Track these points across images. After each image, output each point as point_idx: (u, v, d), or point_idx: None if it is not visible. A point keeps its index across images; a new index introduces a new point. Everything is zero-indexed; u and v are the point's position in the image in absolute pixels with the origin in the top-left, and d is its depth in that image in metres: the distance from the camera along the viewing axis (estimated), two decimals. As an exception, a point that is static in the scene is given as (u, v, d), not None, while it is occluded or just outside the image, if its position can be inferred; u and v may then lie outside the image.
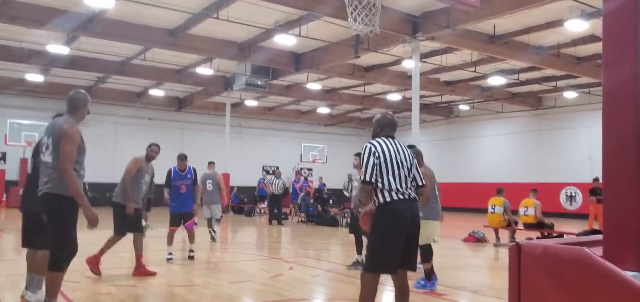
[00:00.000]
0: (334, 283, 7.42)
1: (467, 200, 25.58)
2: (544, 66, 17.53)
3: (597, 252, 2.28)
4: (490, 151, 27.35)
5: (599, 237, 2.51)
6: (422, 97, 20.23)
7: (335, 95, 24.50)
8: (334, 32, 15.07)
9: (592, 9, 12.49)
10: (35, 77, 20.94)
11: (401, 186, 4.11)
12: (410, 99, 16.05)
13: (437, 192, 7.21)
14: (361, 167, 4.28)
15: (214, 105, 26.73)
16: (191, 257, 8.81)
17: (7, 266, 8.26)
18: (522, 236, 11.79)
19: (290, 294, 6.45)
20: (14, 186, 22.60)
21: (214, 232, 12.10)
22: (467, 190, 26.65)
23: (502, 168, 25.80)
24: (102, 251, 7.16)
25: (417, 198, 4.28)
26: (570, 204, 23.36)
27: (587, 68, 17.70)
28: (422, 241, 6.63)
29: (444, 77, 21.06)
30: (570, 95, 22.24)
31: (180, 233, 9.58)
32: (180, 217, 8.85)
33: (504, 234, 12.57)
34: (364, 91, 23.94)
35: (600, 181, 11.74)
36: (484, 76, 19.94)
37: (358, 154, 8.15)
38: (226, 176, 20.82)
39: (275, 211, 17.59)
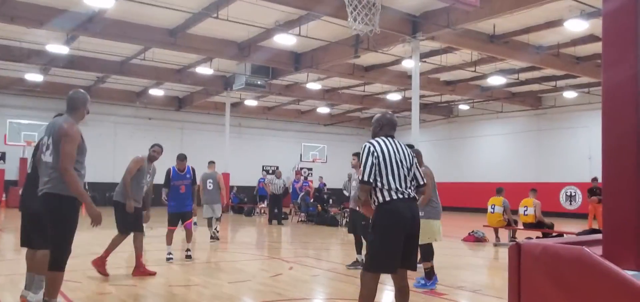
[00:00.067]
0: (334, 283, 7.42)
1: (466, 200, 25.59)
2: (544, 66, 17.54)
3: (597, 252, 2.28)
4: (490, 151, 27.36)
5: (599, 236, 2.51)
6: (421, 96, 20.24)
7: (335, 95, 24.50)
8: (334, 31, 15.08)
9: (591, 9, 12.50)
10: (34, 76, 20.94)
11: (401, 185, 4.11)
12: (410, 98, 16.06)
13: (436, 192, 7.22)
14: (360, 167, 4.28)
15: (213, 105, 26.73)
16: (188, 257, 8.81)
17: (7, 265, 8.27)
18: (522, 235, 11.80)
19: (290, 294, 6.45)
20: (13, 186, 22.62)
21: (217, 231, 12.10)
22: (466, 190, 26.66)
23: (502, 168, 25.81)
24: (108, 252, 7.15)
25: (417, 197, 4.27)
26: (570, 204, 23.37)
27: (586, 68, 17.71)
28: (422, 240, 6.64)
29: (444, 76, 21.07)
30: (569, 95, 22.25)
31: (180, 233, 9.58)
32: (179, 217, 8.85)
33: (504, 234, 12.57)
34: (364, 91, 23.95)
35: (599, 180, 11.71)
36: (484, 76, 19.95)
37: (356, 154, 8.15)
38: (226, 176, 20.82)
39: (276, 210, 17.59)
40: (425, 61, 17.44)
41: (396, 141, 4.31)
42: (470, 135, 28.49)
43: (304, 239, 13.71)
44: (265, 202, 21.19)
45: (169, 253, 8.63)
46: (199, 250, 10.64)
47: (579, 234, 9.96)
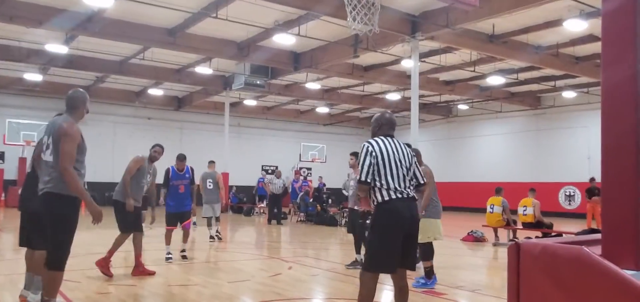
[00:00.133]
0: (333, 282, 7.42)
1: (465, 199, 25.61)
2: (543, 66, 17.55)
3: (596, 252, 2.28)
4: (489, 151, 27.38)
5: (598, 236, 2.52)
6: (421, 96, 20.24)
7: (334, 94, 24.50)
8: (333, 31, 15.08)
9: (591, 9, 12.51)
10: (33, 76, 20.93)
11: (400, 185, 4.11)
12: (410, 98, 16.05)
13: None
14: (357, 167, 4.28)
15: (213, 104, 26.72)
16: (184, 257, 8.79)
17: (6, 265, 8.26)
18: (521, 235, 11.81)
19: (289, 294, 6.45)
20: (12, 186, 22.60)
21: (218, 233, 12.10)
22: (465, 189, 26.68)
23: (501, 168, 25.83)
24: (111, 252, 7.14)
25: (416, 197, 4.27)
26: (569, 204, 23.39)
27: (585, 68, 17.73)
28: (422, 239, 6.65)
29: (443, 76, 21.07)
30: (569, 95, 22.27)
31: (179, 232, 9.57)
32: (179, 216, 8.85)
33: (503, 234, 12.58)
34: (363, 91, 23.95)
35: (597, 180, 11.69)
36: (483, 76, 19.96)
37: (354, 153, 8.16)
38: (225, 175, 20.81)
39: (275, 210, 17.60)
40: (424, 61, 17.45)
41: (395, 140, 4.31)
42: (470, 135, 28.50)
43: (303, 238, 13.71)
44: (265, 202, 21.19)
45: (168, 253, 8.64)
46: (198, 250, 10.64)
47: (578, 233, 9.97)
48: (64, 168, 4.23)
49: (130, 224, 7.24)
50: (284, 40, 15.60)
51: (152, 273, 7.28)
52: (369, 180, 4.10)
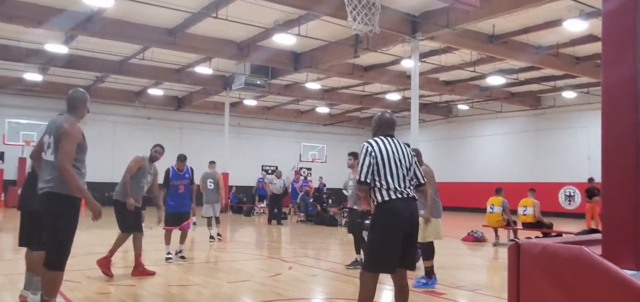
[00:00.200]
0: (333, 282, 7.42)
1: (465, 199, 25.60)
2: (543, 66, 17.55)
3: (596, 252, 2.28)
4: (489, 151, 27.38)
5: (598, 236, 2.52)
6: (421, 96, 20.23)
7: (334, 94, 24.50)
8: (333, 31, 15.07)
9: (591, 9, 12.51)
10: (33, 76, 20.92)
11: (399, 185, 4.11)
12: (410, 98, 16.05)
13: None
14: (356, 167, 4.28)
15: (212, 104, 26.72)
16: (182, 258, 8.77)
17: (6, 265, 8.25)
18: (521, 235, 11.81)
19: (289, 294, 6.45)
20: (12, 186, 22.60)
21: (219, 235, 12.10)
22: (465, 189, 26.68)
23: (501, 168, 25.83)
24: (112, 252, 7.13)
25: (416, 197, 4.27)
26: (569, 204, 23.39)
27: (586, 68, 17.73)
28: (423, 239, 6.65)
29: (443, 76, 21.07)
30: (569, 95, 22.27)
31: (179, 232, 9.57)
32: (178, 216, 8.84)
33: (503, 234, 12.58)
34: (363, 91, 23.95)
35: (595, 180, 11.63)
36: (483, 76, 19.96)
37: (352, 153, 8.16)
38: (225, 176, 20.81)
39: (275, 210, 17.60)
40: (424, 61, 17.44)
41: (395, 140, 4.31)
42: (470, 135, 28.51)
43: (303, 239, 13.71)
44: (265, 202, 21.18)
45: (168, 253, 8.63)
46: (198, 250, 10.64)
47: (578, 233, 9.97)
48: (63, 167, 4.23)
49: (130, 224, 7.23)
50: (284, 40, 15.60)
51: (152, 273, 7.27)
52: (368, 180, 4.10)
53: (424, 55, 16.72)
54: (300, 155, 29.14)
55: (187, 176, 9.04)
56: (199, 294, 6.27)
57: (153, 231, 12.20)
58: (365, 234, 6.80)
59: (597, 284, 2.19)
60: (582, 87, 21.24)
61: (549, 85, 21.01)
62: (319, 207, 18.41)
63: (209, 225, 12.06)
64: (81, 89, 4.80)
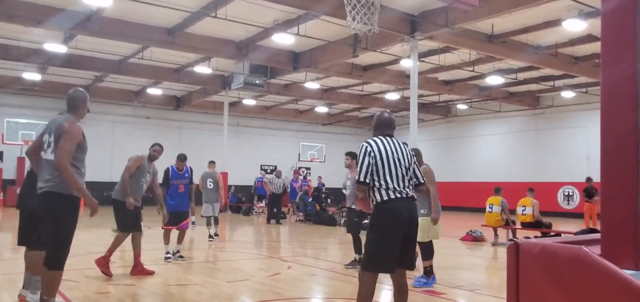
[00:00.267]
0: (332, 282, 7.42)
1: (464, 199, 25.61)
2: (542, 66, 17.56)
3: (595, 251, 2.28)
4: (488, 151, 27.39)
5: (597, 236, 2.52)
6: (420, 96, 20.25)
7: (333, 94, 24.50)
8: (333, 31, 15.07)
9: (590, 9, 12.52)
10: (32, 75, 20.90)
11: (399, 185, 4.11)
12: (409, 98, 16.06)
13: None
14: (354, 167, 4.28)
15: (212, 104, 26.71)
16: (181, 257, 8.76)
17: (5, 265, 8.24)
18: (520, 235, 11.82)
19: (288, 293, 6.45)
20: (11, 185, 22.58)
21: (216, 234, 12.10)
22: (465, 189, 26.69)
23: (500, 167, 25.84)
24: (111, 251, 7.12)
25: (415, 197, 4.27)
26: (568, 204, 23.41)
27: (585, 68, 17.74)
28: (423, 238, 6.65)
29: (442, 76, 21.07)
30: (568, 94, 22.28)
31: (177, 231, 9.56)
32: (178, 216, 8.83)
33: (502, 233, 12.59)
34: (362, 90, 23.94)
35: (594, 180, 11.65)
36: (482, 76, 19.96)
37: (349, 153, 8.15)
38: (224, 175, 20.81)
39: (275, 210, 17.60)
40: (423, 61, 17.45)
41: (394, 140, 4.31)
42: (469, 134, 28.52)
43: (302, 238, 13.72)
44: (264, 202, 21.18)
45: (167, 252, 8.63)
46: (197, 249, 10.64)
47: (577, 233, 9.98)
48: (63, 166, 4.23)
49: (129, 224, 7.23)
50: (283, 39, 15.59)
51: (151, 273, 7.27)
52: (367, 180, 4.09)
53: (423, 55, 16.72)
54: (299, 154, 29.13)
55: (186, 175, 9.05)
56: (198, 294, 6.27)
57: (152, 231, 12.22)
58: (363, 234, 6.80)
59: (597, 283, 2.19)
60: (580, 87, 21.26)
61: (547, 85, 21.02)
62: (317, 207, 18.41)
63: (208, 224, 12.07)
64: (81, 89, 4.80)
